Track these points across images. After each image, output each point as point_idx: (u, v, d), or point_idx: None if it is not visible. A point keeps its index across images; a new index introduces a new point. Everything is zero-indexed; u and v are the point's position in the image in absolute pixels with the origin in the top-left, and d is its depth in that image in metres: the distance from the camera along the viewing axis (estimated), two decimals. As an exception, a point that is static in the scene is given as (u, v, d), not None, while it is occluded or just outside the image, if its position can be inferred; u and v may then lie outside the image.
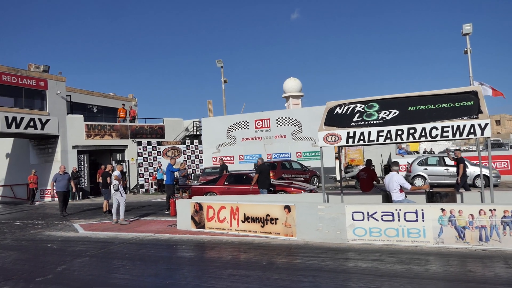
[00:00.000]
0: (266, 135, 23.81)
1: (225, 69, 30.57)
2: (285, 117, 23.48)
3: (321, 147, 8.24)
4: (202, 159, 25.17)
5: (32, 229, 11.56)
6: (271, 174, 18.42)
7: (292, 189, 12.88)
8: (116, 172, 11.79)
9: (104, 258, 7.52)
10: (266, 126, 23.84)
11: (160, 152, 23.73)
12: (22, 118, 19.94)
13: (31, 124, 20.40)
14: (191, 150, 25.02)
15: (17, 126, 19.77)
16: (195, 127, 28.28)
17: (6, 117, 19.30)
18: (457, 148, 18.06)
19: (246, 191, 12.54)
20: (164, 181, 19.98)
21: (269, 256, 6.92)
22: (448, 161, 17.26)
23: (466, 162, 16.55)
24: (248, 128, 24.29)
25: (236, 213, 8.90)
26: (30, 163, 23.18)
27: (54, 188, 13.98)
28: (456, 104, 7.34)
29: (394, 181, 8.08)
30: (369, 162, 10.89)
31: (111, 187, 11.79)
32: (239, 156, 24.29)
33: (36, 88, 21.13)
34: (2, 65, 19.76)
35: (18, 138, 23.46)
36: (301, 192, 12.48)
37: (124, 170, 24.06)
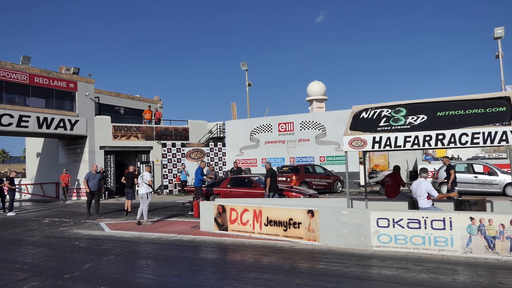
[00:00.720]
0: (289, 139, 23.75)
1: (249, 72, 30.72)
2: (309, 121, 23.37)
3: (346, 151, 8.15)
4: (225, 162, 25.31)
5: (60, 227, 11.89)
6: (293, 178, 18.46)
7: (293, 193, 13.01)
8: (147, 176, 11.77)
9: (129, 257, 7.65)
10: (289, 129, 23.79)
11: (184, 153, 24.01)
12: (52, 119, 20.59)
13: (61, 124, 21.03)
14: (214, 153, 25.20)
15: (48, 127, 20.41)
16: (219, 130, 28.50)
17: (38, 118, 19.96)
18: (446, 156, 17.51)
19: (247, 193, 12.78)
20: (187, 183, 20.18)
21: (291, 261, 6.89)
22: (477, 168, 16.80)
23: (494, 169, 16.10)
24: (271, 132, 24.29)
25: (259, 216, 8.90)
26: (59, 162, 23.87)
27: (88, 186, 13.99)
28: (487, 110, 7.14)
29: (422, 187, 7.91)
30: (397, 169, 10.65)
31: (138, 187, 11.94)
32: (262, 159, 24.28)
33: (66, 90, 21.78)
34: (35, 67, 20.47)
35: (48, 138, 24.22)
36: (301, 197, 12.63)
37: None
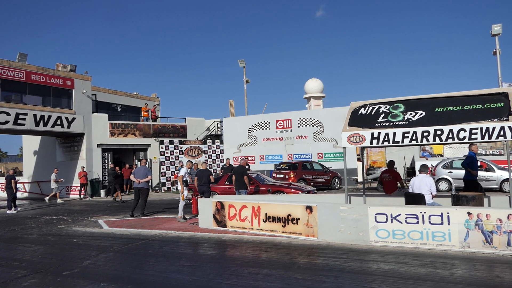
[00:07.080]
0: (287, 136, 23.77)
1: (246, 69, 30.68)
2: (307, 118, 23.40)
3: (344, 148, 8.18)
4: (223, 159, 25.30)
5: (58, 225, 11.87)
6: (291, 175, 18.49)
7: (292, 190, 13.07)
8: (182, 171, 11.78)
9: (128, 254, 7.66)
10: (287, 126, 23.80)
11: (181, 151, 23.99)
12: (49, 117, 20.50)
13: (58, 122, 20.94)
14: (212, 150, 25.20)
15: (45, 124, 20.32)
16: (216, 127, 28.49)
17: (35, 115, 19.87)
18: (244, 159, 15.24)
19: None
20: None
21: (290, 256, 6.92)
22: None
23: (491, 165, 16.16)
24: (269, 129, 24.31)
25: (258, 213, 8.92)
26: (56, 160, 23.80)
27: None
28: (485, 106, 7.17)
29: (427, 183, 7.94)
30: (391, 163, 10.70)
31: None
32: (260, 156, 24.33)
33: (63, 87, 21.68)
34: (32, 64, 20.37)
35: (45, 136, 24.15)
36: (299, 193, 12.73)
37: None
